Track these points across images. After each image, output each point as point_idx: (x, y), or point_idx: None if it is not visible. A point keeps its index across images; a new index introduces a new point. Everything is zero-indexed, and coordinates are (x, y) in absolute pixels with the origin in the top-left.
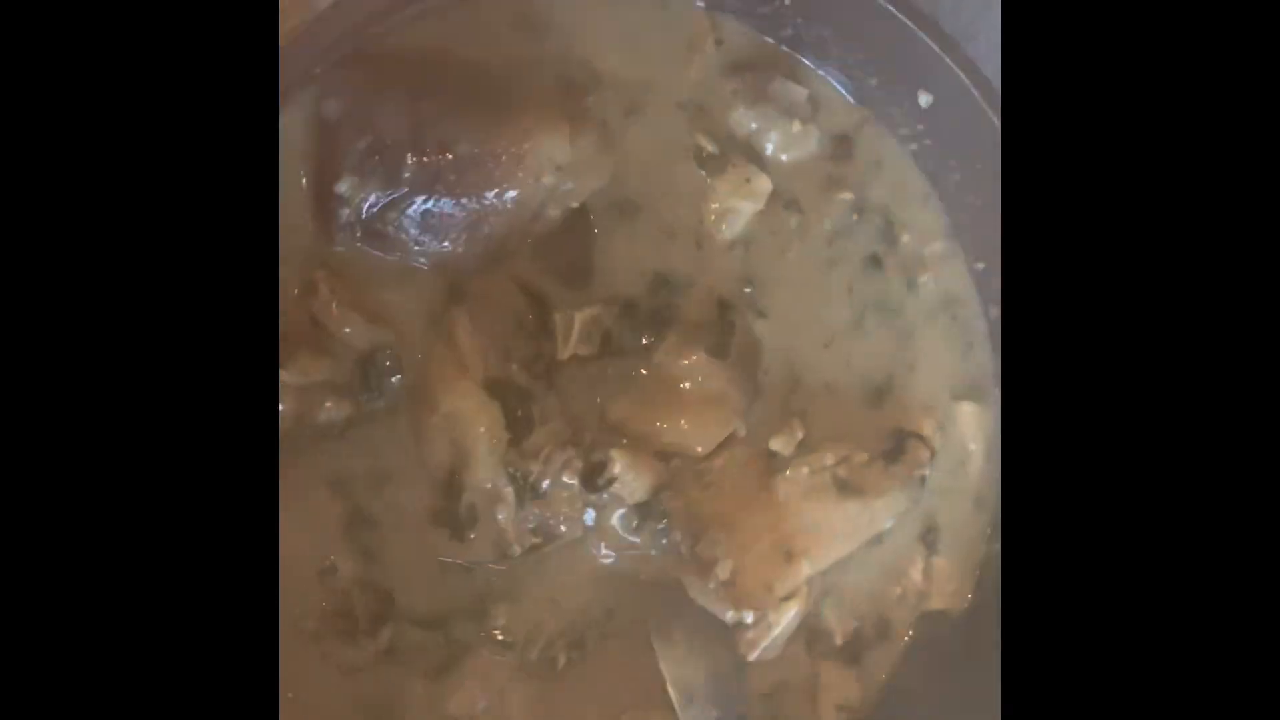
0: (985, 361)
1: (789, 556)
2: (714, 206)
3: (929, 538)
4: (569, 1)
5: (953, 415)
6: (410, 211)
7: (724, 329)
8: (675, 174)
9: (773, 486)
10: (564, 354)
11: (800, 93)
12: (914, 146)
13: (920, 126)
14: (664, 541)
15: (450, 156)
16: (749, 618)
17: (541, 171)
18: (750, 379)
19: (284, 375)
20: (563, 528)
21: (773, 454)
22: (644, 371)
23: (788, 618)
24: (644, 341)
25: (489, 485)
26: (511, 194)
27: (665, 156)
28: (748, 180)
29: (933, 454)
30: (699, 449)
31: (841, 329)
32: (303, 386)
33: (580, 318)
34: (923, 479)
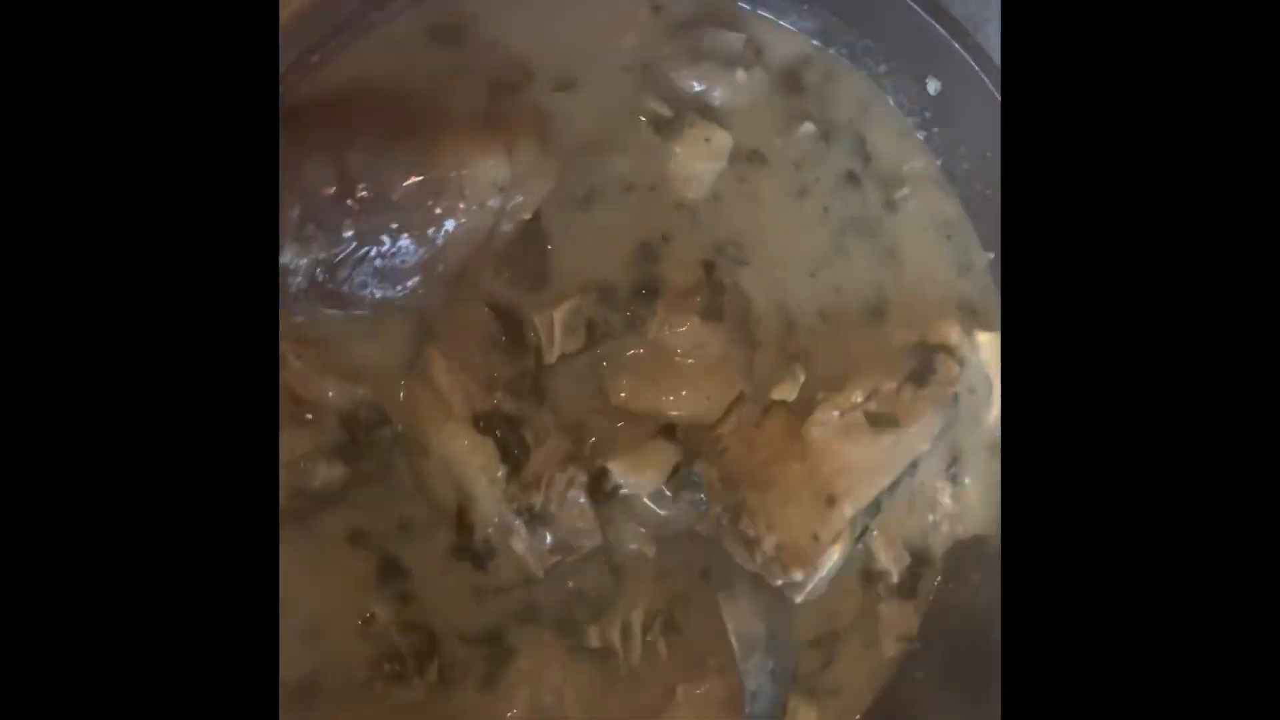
0: (987, 284)
1: (831, 501)
2: (677, 172)
3: (953, 470)
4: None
5: (971, 344)
6: (361, 266)
7: (713, 290)
8: (630, 144)
9: (804, 435)
10: (551, 356)
11: (737, 39)
12: (923, 134)
13: (929, 114)
14: (703, 511)
15: (387, 203)
16: (799, 576)
17: (484, 196)
18: (747, 335)
19: None
20: (584, 540)
21: (779, 403)
22: (639, 351)
23: (832, 559)
24: (628, 316)
25: (496, 519)
26: (459, 225)
27: (615, 129)
28: (708, 140)
29: (961, 365)
30: (708, 416)
31: (824, 255)
32: (290, 461)
33: (559, 314)
34: (955, 395)
